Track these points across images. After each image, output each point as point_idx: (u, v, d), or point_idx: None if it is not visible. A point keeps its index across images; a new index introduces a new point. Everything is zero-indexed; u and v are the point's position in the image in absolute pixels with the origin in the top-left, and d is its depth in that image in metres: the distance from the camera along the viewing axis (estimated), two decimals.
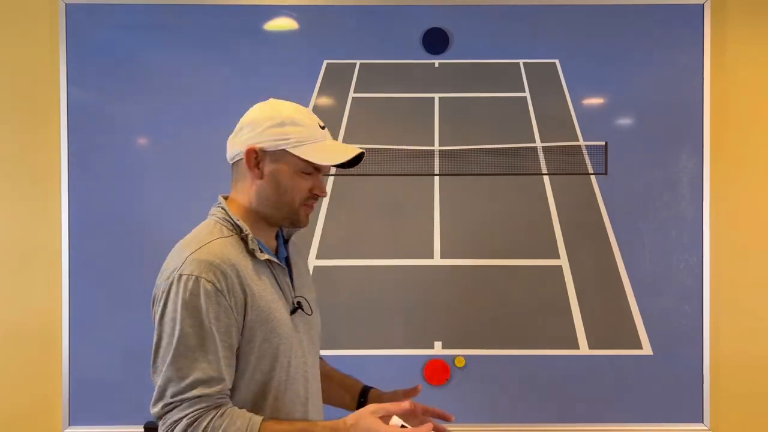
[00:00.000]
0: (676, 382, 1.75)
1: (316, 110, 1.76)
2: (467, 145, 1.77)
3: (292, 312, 1.15)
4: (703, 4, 1.77)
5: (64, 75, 1.75)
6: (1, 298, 1.79)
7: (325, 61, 1.78)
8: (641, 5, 1.77)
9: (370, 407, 1.09)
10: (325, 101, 1.78)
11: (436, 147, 1.77)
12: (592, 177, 1.77)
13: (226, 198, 1.17)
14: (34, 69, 1.79)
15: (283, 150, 1.10)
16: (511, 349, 1.74)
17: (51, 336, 1.77)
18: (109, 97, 1.76)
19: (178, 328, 1.00)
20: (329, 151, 1.14)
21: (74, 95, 1.76)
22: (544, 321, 1.74)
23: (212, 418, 0.99)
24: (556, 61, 1.78)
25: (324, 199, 1.75)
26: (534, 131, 1.78)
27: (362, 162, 1.20)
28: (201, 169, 1.74)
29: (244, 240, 1.11)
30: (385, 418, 1.11)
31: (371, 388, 1.36)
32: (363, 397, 1.34)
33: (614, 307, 1.75)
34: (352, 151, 1.15)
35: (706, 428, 1.75)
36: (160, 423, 1.01)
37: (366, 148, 1.80)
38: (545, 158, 1.77)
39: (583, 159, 1.77)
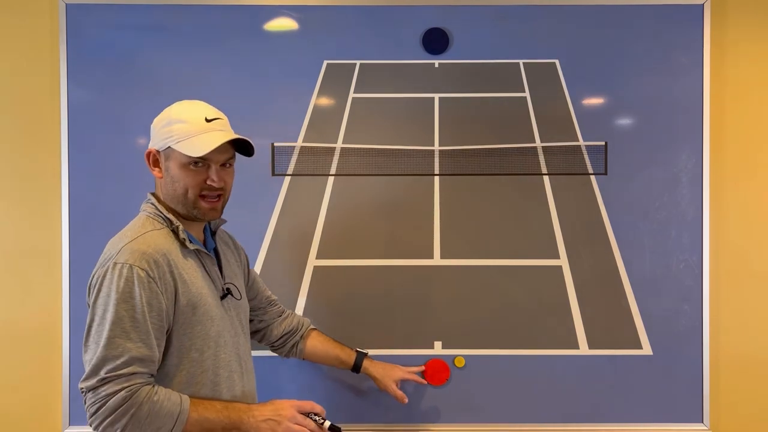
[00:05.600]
0: (676, 382, 1.75)
1: (316, 110, 1.77)
2: (467, 145, 1.77)
3: (223, 297, 1.27)
4: (703, 4, 1.77)
5: (64, 75, 1.75)
6: (1, 298, 1.79)
7: (325, 61, 1.78)
8: (641, 5, 1.77)
9: (293, 402, 1.23)
10: (325, 101, 1.78)
11: (436, 147, 1.77)
12: (592, 177, 1.77)
13: (152, 195, 1.27)
14: (34, 69, 1.79)
15: (170, 147, 1.19)
16: (511, 349, 1.75)
17: (51, 336, 1.77)
18: (109, 97, 1.76)
19: (112, 311, 1.09)
20: (204, 142, 1.18)
21: (74, 95, 1.76)
22: (544, 321, 1.74)
23: (148, 392, 1.09)
24: (556, 61, 1.78)
25: (324, 199, 1.76)
26: (534, 131, 1.78)
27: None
28: None
29: (174, 232, 1.21)
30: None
31: (365, 356, 1.56)
32: (356, 369, 1.55)
33: (614, 307, 1.75)
34: (220, 138, 1.18)
35: (706, 428, 1.75)
36: (90, 395, 1.09)
37: (366, 148, 1.82)
38: (545, 158, 1.77)
39: (583, 159, 1.77)
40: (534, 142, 1.77)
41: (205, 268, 1.26)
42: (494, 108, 1.78)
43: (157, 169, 1.24)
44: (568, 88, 1.78)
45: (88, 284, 1.18)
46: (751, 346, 1.80)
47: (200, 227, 1.30)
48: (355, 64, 1.79)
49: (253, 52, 1.77)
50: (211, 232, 1.34)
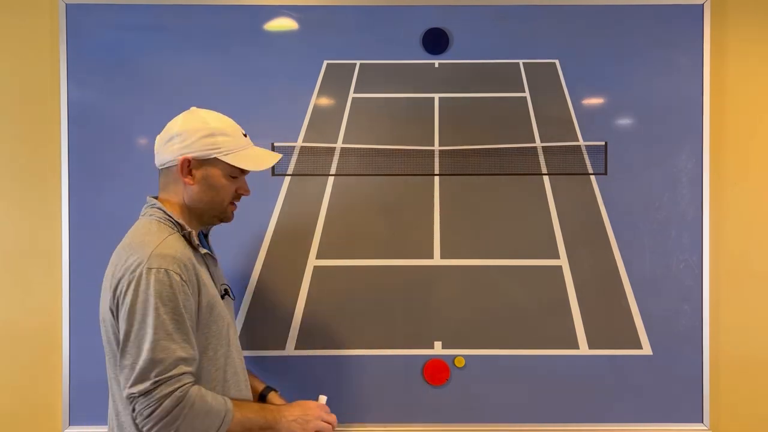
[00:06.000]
0: (676, 382, 1.75)
1: (316, 110, 1.78)
2: (467, 145, 1.77)
3: (222, 297, 1.32)
4: (703, 4, 1.77)
5: (64, 75, 1.75)
6: (1, 298, 1.79)
7: (325, 61, 1.78)
8: (641, 5, 1.77)
9: (317, 403, 1.36)
10: (325, 101, 1.78)
11: (436, 147, 1.77)
12: (592, 177, 1.77)
13: (155, 198, 1.30)
14: (34, 69, 1.79)
15: (215, 158, 1.26)
16: (511, 349, 1.75)
17: (51, 336, 1.77)
18: (109, 97, 1.76)
19: (153, 315, 1.11)
20: (255, 157, 1.32)
21: (74, 95, 1.76)
22: (544, 321, 1.74)
23: (197, 392, 1.14)
24: (556, 61, 1.78)
25: (324, 199, 1.76)
26: (534, 131, 1.78)
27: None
28: None
29: (185, 236, 1.24)
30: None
31: (271, 390, 1.50)
32: (262, 399, 1.49)
33: (614, 307, 1.75)
34: (273, 157, 1.34)
35: (706, 428, 1.75)
36: (143, 399, 1.10)
37: (366, 148, 1.82)
38: (545, 158, 1.77)
39: (583, 159, 1.77)
40: (534, 142, 1.77)
41: (209, 270, 1.30)
42: (494, 108, 1.78)
43: (189, 176, 1.26)
44: (568, 88, 1.78)
45: (115, 292, 1.17)
46: (751, 346, 1.80)
47: (197, 232, 1.33)
48: (355, 64, 1.79)
49: (253, 52, 1.77)
50: (204, 236, 1.40)
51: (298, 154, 1.76)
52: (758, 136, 1.81)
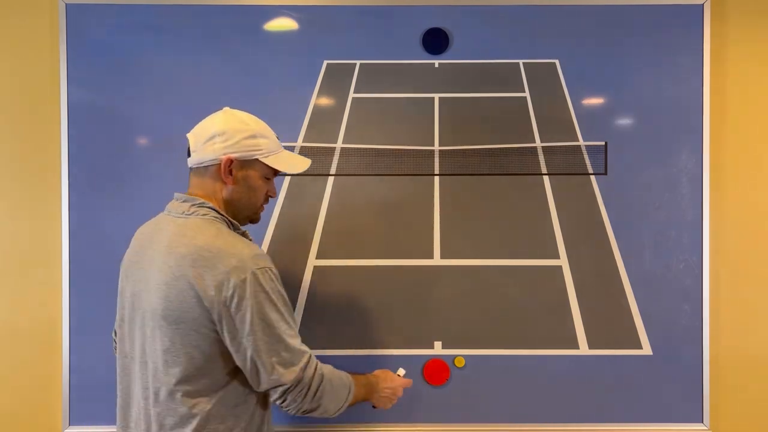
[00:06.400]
0: (676, 382, 1.75)
1: (316, 110, 1.78)
2: (467, 145, 1.77)
3: None
4: (703, 4, 1.77)
5: (64, 75, 1.75)
6: (1, 298, 1.79)
7: (325, 61, 1.78)
8: (641, 5, 1.77)
9: (389, 372, 1.56)
10: (325, 101, 1.78)
11: (436, 147, 1.77)
12: (592, 177, 1.77)
13: (186, 195, 1.29)
14: (34, 69, 1.79)
15: (256, 159, 1.28)
16: (511, 349, 1.75)
17: (51, 336, 1.77)
18: (109, 97, 1.76)
19: (275, 312, 1.18)
20: (291, 160, 1.36)
21: (74, 95, 1.76)
22: (544, 321, 1.74)
23: (327, 370, 1.28)
24: (556, 61, 1.78)
25: (324, 199, 1.76)
26: (534, 131, 1.78)
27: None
28: None
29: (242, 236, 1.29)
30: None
31: None
32: None
33: (614, 307, 1.75)
34: (306, 161, 1.39)
35: (705, 428, 1.75)
36: (298, 387, 1.19)
37: (366, 148, 1.82)
38: (545, 158, 1.77)
39: (583, 159, 1.77)
40: (534, 142, 1.77)
41: None
42: (494, 108, 1.78)
43: (230, 176, 1.26)
44: (568, 88, 1.78)
45: (226, 295, 1.15)
46: (751, 346, 1.80)
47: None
48: (355, 64, 1.79)
49: (253, 52, 1.77)
50: None
51: (299, 154, 1.76)
52: (758, 136, 1.81)
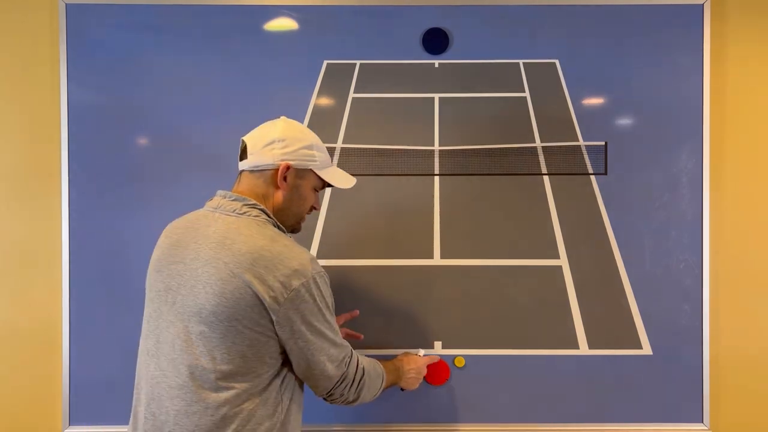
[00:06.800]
0: (676, 382, 1.75)
1: (316, 110, 1.78)
2: (467, 145, 1.77)
3: None
4: (703, 4, 1.77)
5: (64, 75, 1.75)
6: (1, 298, 1.79)
7: (325, 61, 1.78)
8: (641, 5, 1.77)
9: (412, 355, 1.63)
10: (325, 101, 1.78)
11: (436, 147, 1.77)
12: (592, 177, 1.77)
13: (236, 194, 1.29)
14: (34, 69, 1.79)
15: (309, 169, 1.31)
16: (511, 349, 1.75)
17: (51, 336, 1.77)
18: (109, 97, 1.76)
19: (327, 313, 1.24)
20: (341, 176, 1.41)
21: (74, 95, 1.76)
22: (544, 321, 1.74)
23: (365, 362, 1.36)
24: (556, 61, 1.78)
25: (324, 199, 1.76)
26: (534, 131, 1.78)
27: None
28: (201, 169, 1.74)
29: None
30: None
31: None
32: None
33: (614, 307, 1.75)
34: (352, 179, 1.43)
35: (706, 428, 1.75)
36: (345, 381, 1.28)
37: (366, 148, 1.82)
38: (545, 158, 1.77)
39: (583, 159, 1.77)
40: (534, 142, 1.77)
41: None
42: (494, 108, 1.78)
43: (284, 182, 1.29)
44: (568, 88, 1.78)
45: (286, 298, 1.16)
46: (751, 346, 1.80)
47: None
48: (355, 64, 1.79)
49: (253, 52, 1.77)
50: None
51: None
52: (758, 136, 1.81)
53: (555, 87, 1.78)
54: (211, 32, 1.77)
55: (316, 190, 1.36)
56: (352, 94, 1.79)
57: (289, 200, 1.30)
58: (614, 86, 1.77)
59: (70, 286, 1.75)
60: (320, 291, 1.22)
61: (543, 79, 1.78)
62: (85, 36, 1.76)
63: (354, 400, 1.33)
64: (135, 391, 1.27)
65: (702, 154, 1.77)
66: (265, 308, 1.15)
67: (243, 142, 1.31)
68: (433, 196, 1.77)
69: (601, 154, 1.77)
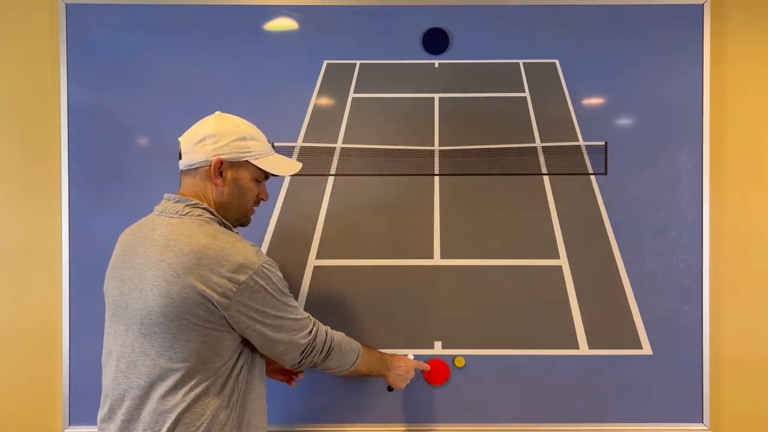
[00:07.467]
0: (676, 382, 1.75)
1: (316, 110, 1.78)
2: (467, 145, 1.77)
3: None
4: (703, 4, 1.77)
5: (64, 75, 1.75)
6: (1, 298, 1.79)
7: (325, 61, 1.78)
8: (641, 5, 1.77)
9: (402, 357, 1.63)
10: (325, 101, 1.78)
11: (436, 147, 1.77)
12: (592, 177, 1.77)
13: (179, 196, 1.30)
14: (34, 69, 1.79)
15: (246, 161, 1.30)
16: (511, 349, 1.75)
17: (51, 336, 1.77)
18: (109, 97, 1.76)
19: (284, 298, 1.26)
20: (281, 163, 1.38)
21: (74, 95, 1.76)
22: (544, 321, 1.74)
23: (336, 335, 1.40)
24: (556, 61, 1.78)
25: (324, 199, 1.76)
26: (534, 131, 1.78)
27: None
28: None
29: None
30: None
31: None
32: None
33: (614, 307, 1.75)
34: (296, 165, 1.41)
35: (706, 428, 1.75)
36: (309, 348, 1.31)
37: (366, 148, 1.82)
38: (545, 158, 1.77)
39: (583, 159, 1.77)
40: (534, 142, 1.77)
41: None
42: (494, 108, 1.78)
43: (220, 177, 1.28)
44: (568, 88, 1.78)
45: (235, 293, 1.19)
46: (751, 346, 1.80)
47: None
48: (355, 64, 1.79)
49: (253, 52, 1.77)
50: None
51: (298, 154, 1.76)
52: (758, 136, 1.81)
53: (555, 87, 1.78)
54: (211, 32, 1.77)
55: (258, 180, 1.35)
56: (352, 94, 1.79)
57: (228, 195, 1.30)
58: (614, 86, 1.77)
59: (70, 286, 1.75)
60: (270, 279, 1.23)
61: (543, 79, 1.78)
62: (85, 36, 1.76)
63: (320, 363, 1.36)
64: (102, 396, 1.31)
65: (702, 154, 1.77)
66: (214, 305, 1.17)
67: (179, 142, 1.33)
68: (433, 196, 1.77)
69: (601, 154, 1.77)
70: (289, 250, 1.75)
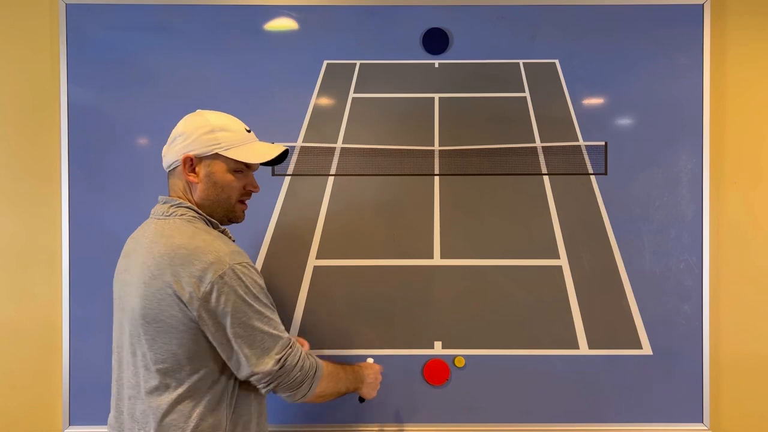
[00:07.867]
0: (676, 382, 1.75)
1: (316, 110, 1.78)
2: (467, 145, 1.77)
3: None
4: (703, 4, 1.77)
5: (64, 75, 1.75)
6: (1, 298, 1.79)
7: (325, 61, 1.78)
8: (641, 5, 1.77)
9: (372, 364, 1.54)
10: (325, 101, 1.78)
11: (436, 147, 1.77)
12: (592, 177, 1.77)
13: (166, 197, 1.30)
14: (34, 69, 1.79)
15: (216, 153, 1.26)
16: (511, 349, 1.75)
17: (51, 336, 1.77)
18: (109, 97, 1.76)
19: (256, 305, 1.18)
20: (257, 150, 1.31)
21: (74, 95, 1.76)
22: (544, 321, 1.74)
23: (303, 354, 1.26)
24: (556, 61, 1.78)
25: (324, 199, 1.76)
26: (534, 131, 1.78)
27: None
28: None
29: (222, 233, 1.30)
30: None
31: None
32: None
33: (614, 307, 1.75)
34: (276, 149, 1.33)
35: (705, 428, 1.75)
36: (276, 370, 1.20)
37: (366, 148, 1.82)
38: (545, 158, 1.77)
39: (583, 159, 1.77)
40: (534, 142, 1.77)
41: None
42: (494, 108, 1.78)
43: (193, 174, 1.27)
44: (568, 88, 1.78)
45: (203, 293, 1.15)
46: (751, 346, 1.80)
47: None
48: (355, 64, 1.79)
49: (253, 52, 1.77)
50: None
51: (298, 154, 1.76)
52: (758, 136, 1.81)
53: (555, 87, 1.78)
54: (211, 32, 1.77)
55: (238, 171, 1.30)
56: (352, 94, 1.79)
57: (205, 190, 1.27)
58: (614, 86, 1.77)
59: (70, 286, 1.75)
60: (242, 281, 1.17)
61: (543, 79, 1.78)
62: (85, 36, 1.76)
63: (296, 393, 1.25)
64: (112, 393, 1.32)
65: (702, 154, 1.77)
66: (185, 306, 1.16)
67: None
68: (433, 196, 1.77)
69: (601, 154, 1.77)
70: (289, 250, 1.75)
